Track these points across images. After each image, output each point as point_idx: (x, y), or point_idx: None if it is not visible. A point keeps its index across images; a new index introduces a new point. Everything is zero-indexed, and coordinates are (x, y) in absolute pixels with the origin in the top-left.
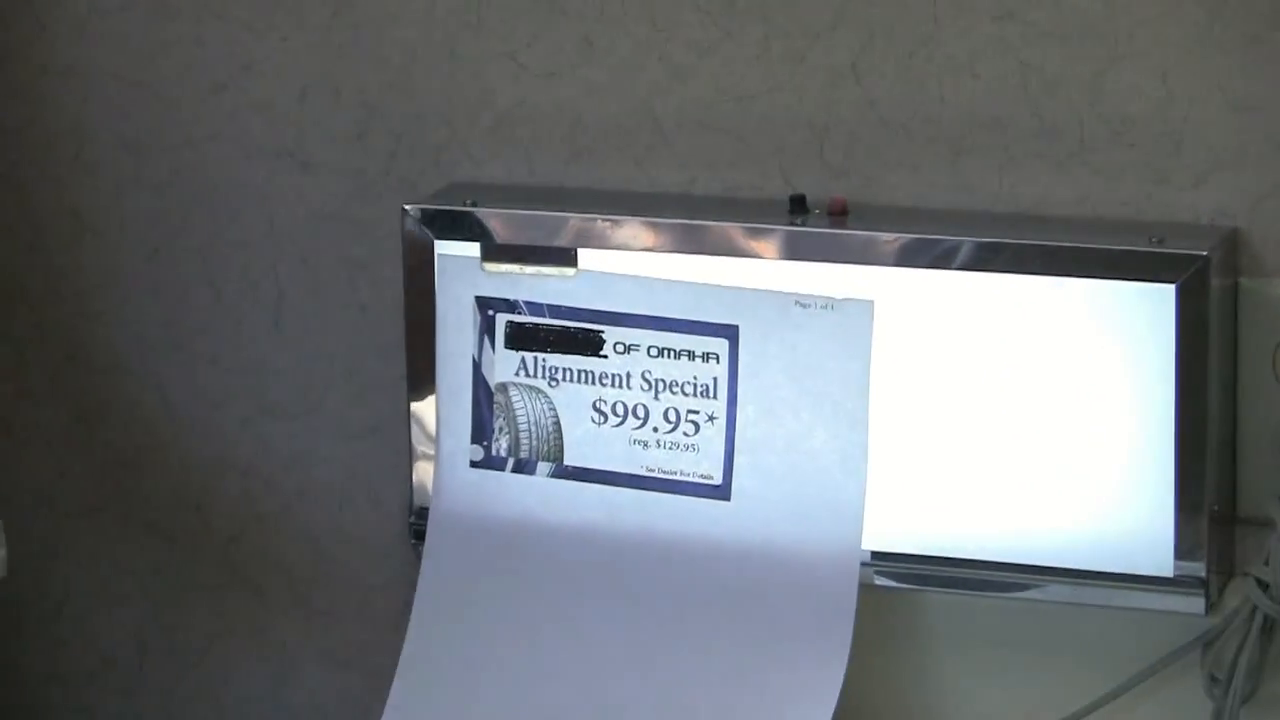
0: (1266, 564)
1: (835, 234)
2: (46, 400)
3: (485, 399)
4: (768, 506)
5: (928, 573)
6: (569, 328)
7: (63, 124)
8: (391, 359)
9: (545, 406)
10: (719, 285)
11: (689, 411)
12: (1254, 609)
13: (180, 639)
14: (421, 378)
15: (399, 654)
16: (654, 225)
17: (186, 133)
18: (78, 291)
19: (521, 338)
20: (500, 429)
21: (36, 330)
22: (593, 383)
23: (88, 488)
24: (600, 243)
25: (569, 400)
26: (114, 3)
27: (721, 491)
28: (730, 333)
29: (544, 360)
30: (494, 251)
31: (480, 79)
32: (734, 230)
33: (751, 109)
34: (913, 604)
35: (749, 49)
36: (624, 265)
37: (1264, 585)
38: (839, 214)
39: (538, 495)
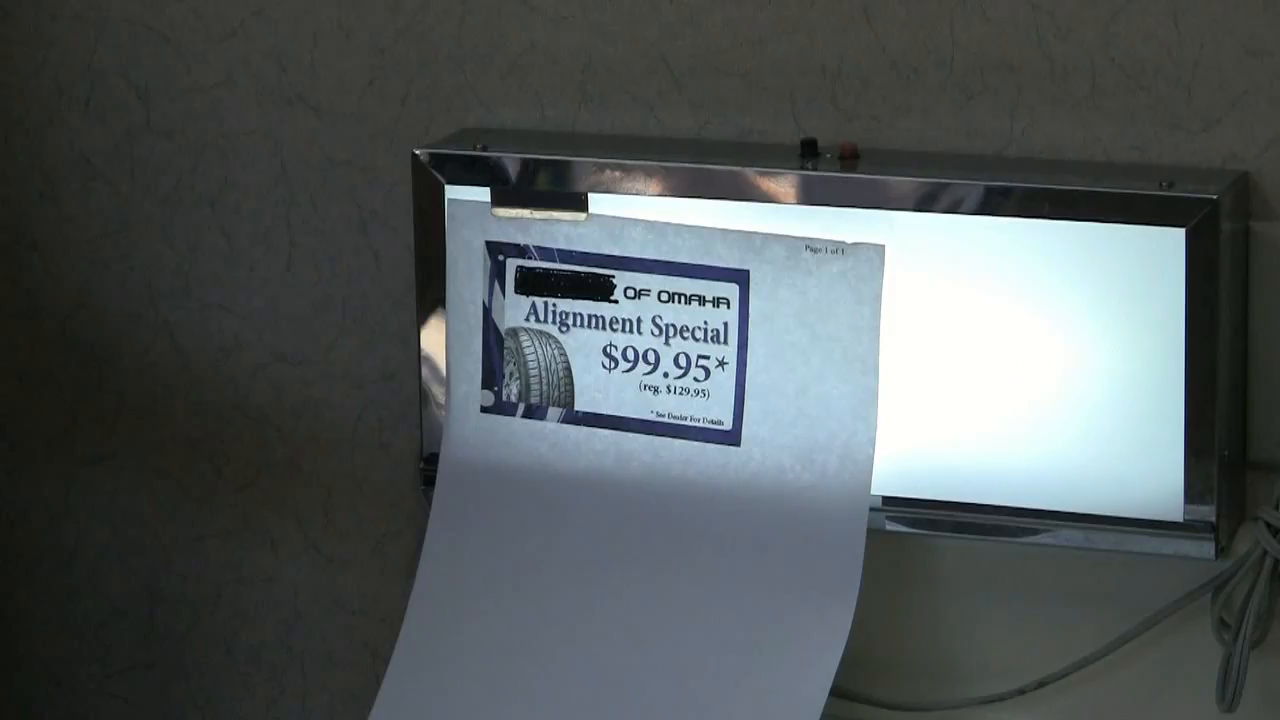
0: (1277, 508)
1: (846, 178)
2: (58, 347)
3: (496, 344)
4: (778, 451)
5: (938, 518)
6: (579, 273)
7: (73, 70)
8: (403, 305)
9: (556, 352)
10: (729, 230)
11: (699, 357)
12: (1264, 553)
13: (192, 587)
14: (432, 323)
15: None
16: (665, 170)
17: (198, 78)
18: (89, 238)
19: (532, 283)
20: (511, 374)
21: (48, 277)
22: (603, 328)
23: (100, 435)
24: (611, 187)
25: (579, 345)
26: None
27: (731, 436)
28: (741, 277)
29: (554, 305)
30: (504, 196)
31: (492, 23)
32: (745, 174)
33: (763, 53)
34: (924, 549)
35: (775, 9)
36: (635, 210)
37: (1274, 530)
38: (850, 158)
39: (548, 441)
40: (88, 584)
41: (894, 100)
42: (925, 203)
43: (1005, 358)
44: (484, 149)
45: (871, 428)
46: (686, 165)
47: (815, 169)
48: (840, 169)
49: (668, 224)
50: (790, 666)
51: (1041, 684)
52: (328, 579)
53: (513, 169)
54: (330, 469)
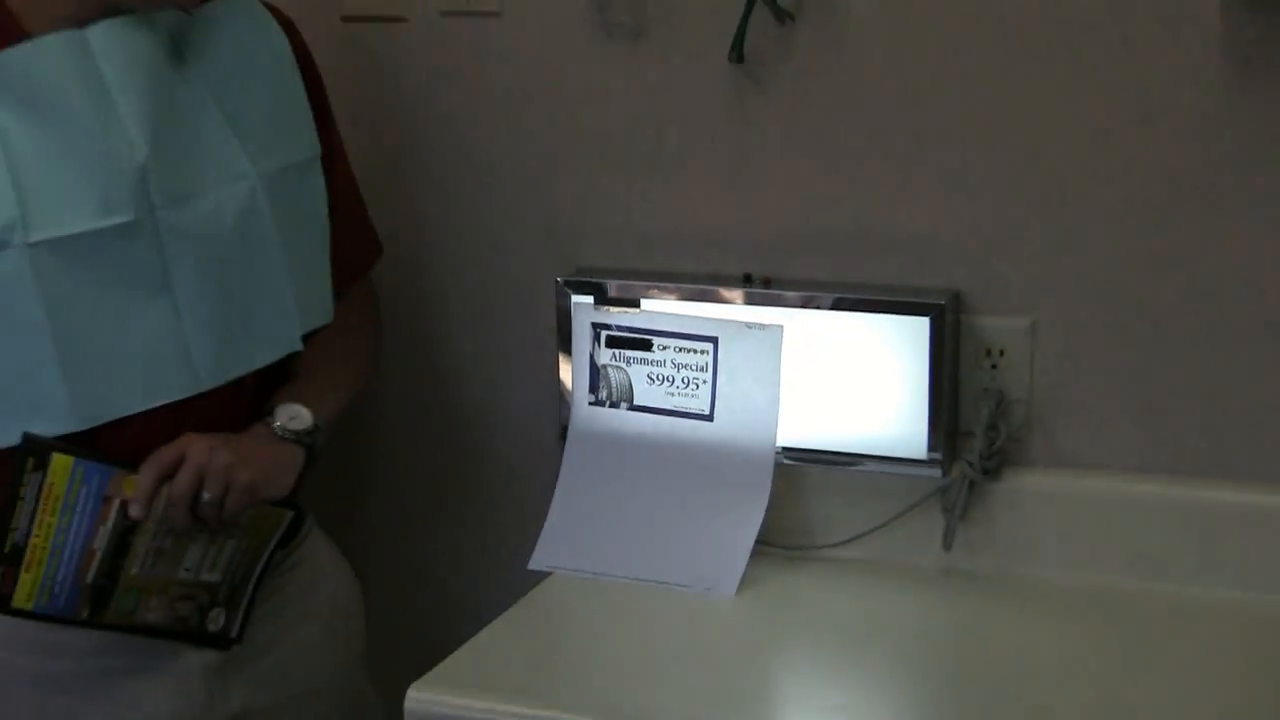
0: (973, 456)
1: (765, 292)
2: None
3: (595, 372)
4: (731, 426)
5: (807, 457)
6: (636, 338)
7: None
8: (552, 355)
9: (624, 376)
10: (709, 317)
11: (695, 379)
12: (964, 475)
13: (410, 509)
14: (565, 363)
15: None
16: (678, 288)
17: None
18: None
19: (613, 342)
20: (602, 387)
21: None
22: (647, 364)
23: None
24: (652, 296)
25: (636, 373)
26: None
27: (709, 418)
28: (714, 341)
29: (624, 353)
30: (601, 300)
31: (599, 211)
32: (716, 290)
33: (728, 233)
34: (798, 472)
35: (732, 207)
36: (662, 307)
37: (969, 465)
38: (766, 284)
39: (620, 420)
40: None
41: (791, 255)
42: (804, 304)
43: (842, 380)
44: (591, 279)
45: (775, 413)
46: (689, 285)
47: (751, 288)
48: (763, 288)
49: (678, 314)
50: (734, 527)
51: (848, 541)
52: (519, 486)
53: (606, 287)
54: (519, 437)
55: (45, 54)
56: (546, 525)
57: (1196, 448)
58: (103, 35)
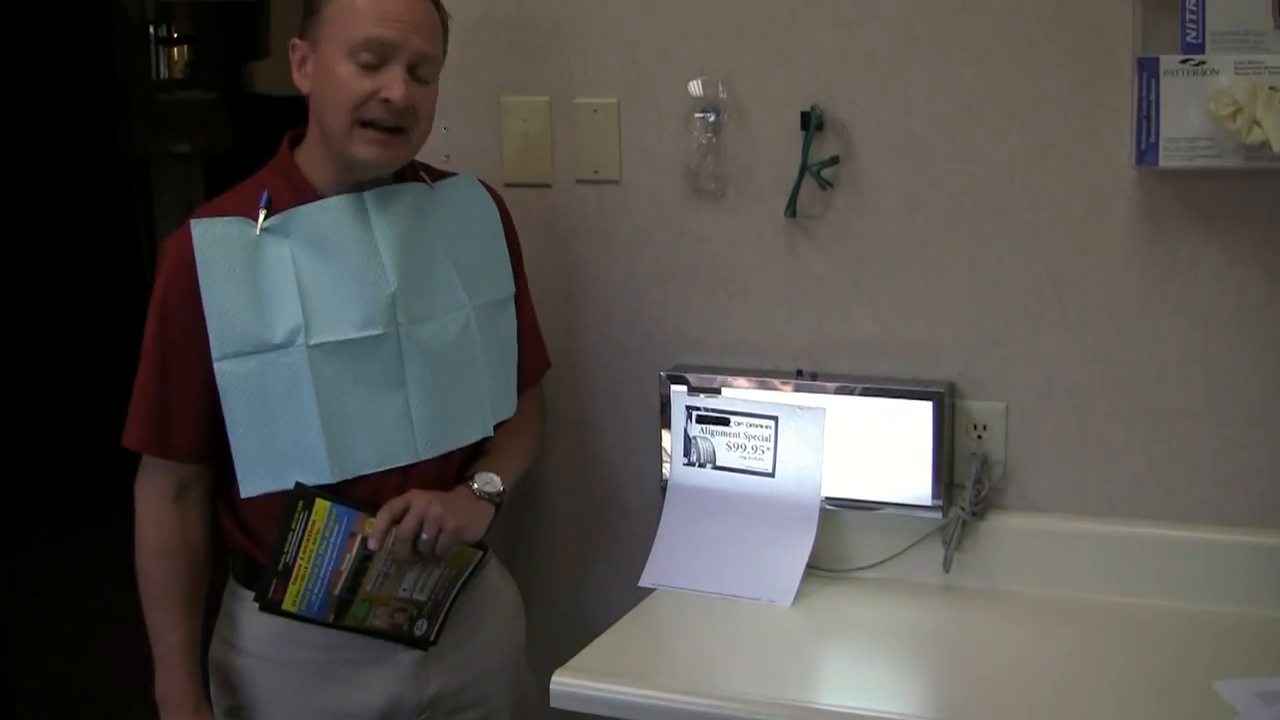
0: (967, 503)
1: (811, 383)
2: None
3: (688, 441)
4: (787, 481)
5: (843, 504)
6: (718, 416)
7: None
8: (655, 426)
9: (709, 444)
10: (772, 401)
11: (761, 446)
12: (959, 516)
13: (556, 541)
14: (665, 434)
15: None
16: (751, 378)
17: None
18: None
19: (701, 419)
20: (693, 452)
21: None
22: (726, 435)
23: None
24: (731, 385)
25: (719, 441)
26: None
27: (771, 475)
28: (775, 419)
29: (710, 428)
30: (692, 390)
31: (694, 324)
32: (776, 381)
33: (783, 339)
34: (836, 515)
35: (787, 321)
36: (738, 394)
37: (961, 508)
38: (813, 377)
39: (708, 476)
40: (520, 520)
41: (831, 356)
42: (840, 392)
43: (868, 448)
44: (685, 373)
45: (820, 472)
46: (756, 377)
47: (801, 379)
48: (810, 379)
49: (748, 399)
50: (789, 555)
51: (873, 565)
52: (625, 530)
53: (695, 380)
54: (634, 488)
55: (332, 210)
56: (652, 553)
57: (1122, 495)
58: (374, 199)
